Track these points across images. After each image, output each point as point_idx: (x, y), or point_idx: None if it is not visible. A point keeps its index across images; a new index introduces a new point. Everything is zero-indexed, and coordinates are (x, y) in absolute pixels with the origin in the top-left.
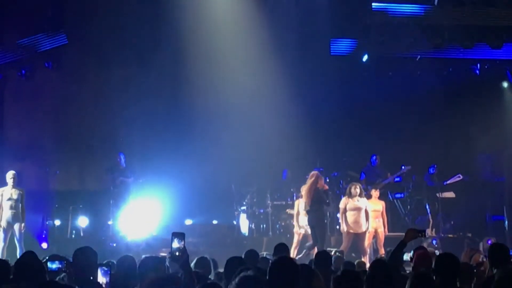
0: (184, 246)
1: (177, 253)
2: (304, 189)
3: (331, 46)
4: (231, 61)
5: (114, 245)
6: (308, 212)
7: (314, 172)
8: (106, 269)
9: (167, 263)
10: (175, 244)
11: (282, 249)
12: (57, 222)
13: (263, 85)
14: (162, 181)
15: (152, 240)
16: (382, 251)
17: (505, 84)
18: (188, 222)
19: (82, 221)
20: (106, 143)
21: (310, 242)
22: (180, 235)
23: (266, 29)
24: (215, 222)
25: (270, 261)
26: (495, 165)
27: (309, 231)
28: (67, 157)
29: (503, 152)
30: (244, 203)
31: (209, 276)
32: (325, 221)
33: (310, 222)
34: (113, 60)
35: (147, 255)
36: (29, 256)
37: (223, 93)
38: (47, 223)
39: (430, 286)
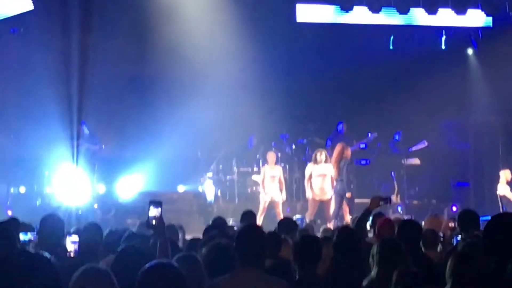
0: (161, 215)
1: (153, 222)
2: (332, 160)
3: (297, 12)
4: (195, 27)
5: (80, 212)
6: (337, 181)
7: (340, 143)
8: (74, 236)
9: (135, 229)
10: (152, 212)
11: (249, 216)
12: (22, 189)
13: (228, 51)
14: (126, 149)
15: (119, 208)
16: (347, 218)
17: (470, 51)
18: (154, 189)
19: (47, 188)
20: (70, 111)
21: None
22: (157, 203)
23: None
24: (180, 189)
25: (236, 229)
26: (460, 131)
27: (275, 198)
28: (31, 124)
29: (468, 118)
30: (210, 169)
31: (178, 244)
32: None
33: (339, 191)
34: (78, 26)
35: (132, 230)
36: (2, 225)
37: (187, 59)
38: (12, 190)
39: (398, 252)
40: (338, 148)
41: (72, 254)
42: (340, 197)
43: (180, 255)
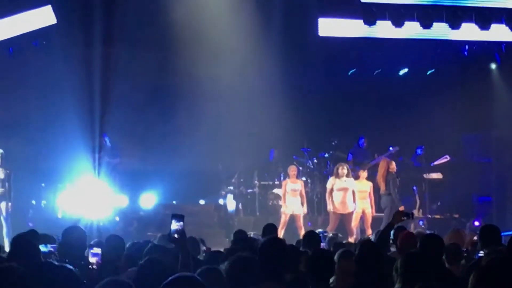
0: (183, 228)
1: (175, 235)
2: (378, 176)
3: (319, 26)
4: (216, 40)
5: (101, 224)
6: (382, 195)
7: (384, 158)
8: (96, 249)
9: (155, 241)
10: (174, 225)
11: (271, 229)
12: (44, 202)
13: (249, 64)
14: (148, 161)
15: (140, 221)
16: (369, 232)
17: (493, 66)
18: (175, 202)
19: (68, 201)
20: (92, 123)
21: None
22: (179, 217)
23: (252, 6)
24: (202, 202)
25: (259, 241)
26: (482, 146)
27: (296, 212)
28: (53, 136)
29: (490, 133)
30: (231, 183)
31: (198, 256)
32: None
33: (383, 204)
34: (99, 38)
35: (154, 243)
36: (25, 237)
37: (209, 73)
38: (33, 202)
39: (422, 267)
40: (382, 163)
41: (94, 267)
42: (388, 210)
43: (204, 268)
